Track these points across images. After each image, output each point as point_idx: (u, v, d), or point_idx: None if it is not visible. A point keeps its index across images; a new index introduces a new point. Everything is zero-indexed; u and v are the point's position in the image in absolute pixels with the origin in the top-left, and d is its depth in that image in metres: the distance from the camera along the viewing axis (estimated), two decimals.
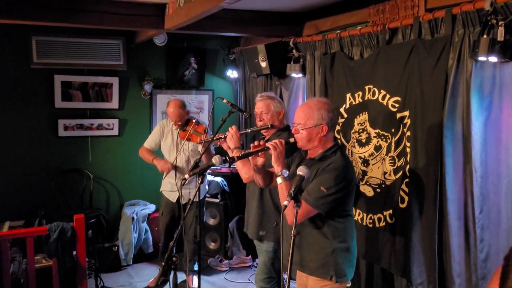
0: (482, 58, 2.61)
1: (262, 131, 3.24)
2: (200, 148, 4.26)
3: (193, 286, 4.43)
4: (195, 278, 4.30)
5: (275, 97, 3.27)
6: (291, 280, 4.12)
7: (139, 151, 4.50)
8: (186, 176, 2.55)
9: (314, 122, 2.44)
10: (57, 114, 5.03)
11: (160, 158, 4.41)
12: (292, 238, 1.99)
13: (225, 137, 3.11)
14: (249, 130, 3.39)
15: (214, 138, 3.20)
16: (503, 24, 2.49)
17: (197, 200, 2.70)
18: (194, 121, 4.25)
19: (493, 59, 2.57)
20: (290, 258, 1.98)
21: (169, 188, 4.47)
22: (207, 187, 4.84)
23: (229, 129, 3.06)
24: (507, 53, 2.52)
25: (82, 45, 5.00)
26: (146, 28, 4.26)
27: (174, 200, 4.47)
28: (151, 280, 4.56)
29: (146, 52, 5.38)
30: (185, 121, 4.29)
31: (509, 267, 1.37)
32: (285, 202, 2.06)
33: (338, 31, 3.83)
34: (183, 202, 4.39)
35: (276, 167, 2.42)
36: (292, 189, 2.10)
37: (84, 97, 5.13)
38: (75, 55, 4.98)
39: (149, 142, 4.49)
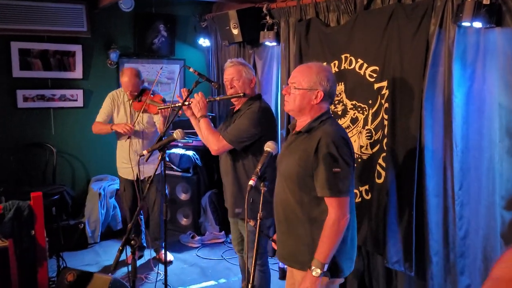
0: (466, 24, 2.47)
1: (232, 100, 3.02)
2: (156, 118, 4.02)
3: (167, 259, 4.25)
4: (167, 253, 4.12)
5: (246, 64, 3.04)
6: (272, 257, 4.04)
7: (92, 128, 4.16)
8: (144, 152, 2.34)
9: (310, 85, 2.11)
10: (15, 84, 4.70)
11: (118, 124, 4.07)
12: (258, 221, 1.81)
13: (189, 104, 2.91)
14: (217, 98, 3.19)
15: (178, 105, 2.96)
16: None
17: (162, 174, 2.49)
18: (149, 91, 4.03)
19: (478, 24, 2.42)
20: (256, 234, 1.82)
21: (124, 165, 4.18)
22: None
23: (195, 95, 2.86)
24: (493, 17, 2.37)
25: (41, 9, 4.63)
26: None
27: (131, 177, 4.14)
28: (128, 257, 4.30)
29: (112, 18, 5.05)
30: (139, 92, 4.03)
31: None
32: (251, 182, 1.88)
33: None
34: (141, 178, 4.15)
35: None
36: (259, 166, 1.91)
37: (45, 66, 4.79)
38: (33, 20, 4.62)
39: (101, 116, 4.15)
